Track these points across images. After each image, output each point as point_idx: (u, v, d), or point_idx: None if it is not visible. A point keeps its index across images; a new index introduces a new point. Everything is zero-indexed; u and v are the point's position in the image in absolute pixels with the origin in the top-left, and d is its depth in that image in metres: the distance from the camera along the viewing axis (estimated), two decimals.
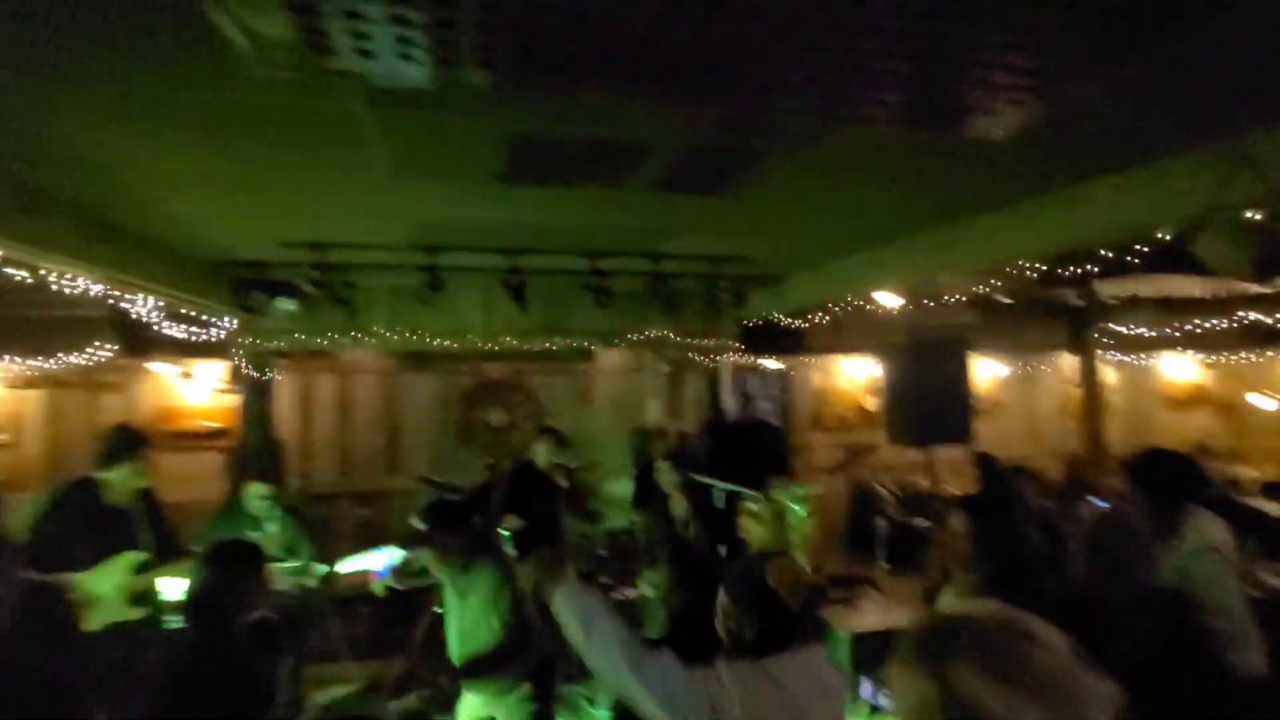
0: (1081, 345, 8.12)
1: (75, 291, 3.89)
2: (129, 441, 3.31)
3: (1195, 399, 9.73)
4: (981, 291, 6.08)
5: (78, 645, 2.24)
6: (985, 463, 3.92)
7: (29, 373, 6.55)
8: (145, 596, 3.10)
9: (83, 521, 3.09)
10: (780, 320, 6.99)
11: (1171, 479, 2.65)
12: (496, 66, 1.70)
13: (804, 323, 7.19)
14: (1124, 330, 8.01)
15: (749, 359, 7.70)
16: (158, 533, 3.33)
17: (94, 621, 2.92)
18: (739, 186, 3.15)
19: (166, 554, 3.29)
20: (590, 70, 1.71)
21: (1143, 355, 9.13)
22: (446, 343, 6.01)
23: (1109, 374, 8.80)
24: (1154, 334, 8.06)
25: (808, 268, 5.49)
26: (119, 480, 3.23)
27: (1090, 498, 5.35)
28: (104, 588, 3.01)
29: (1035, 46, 1.67)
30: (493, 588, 2.99)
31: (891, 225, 4.09)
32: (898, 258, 4.57)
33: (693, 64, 1.71)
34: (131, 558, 3.10)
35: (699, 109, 2.06)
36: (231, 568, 2.20)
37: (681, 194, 3.29)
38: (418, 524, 3.10)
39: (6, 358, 5.87)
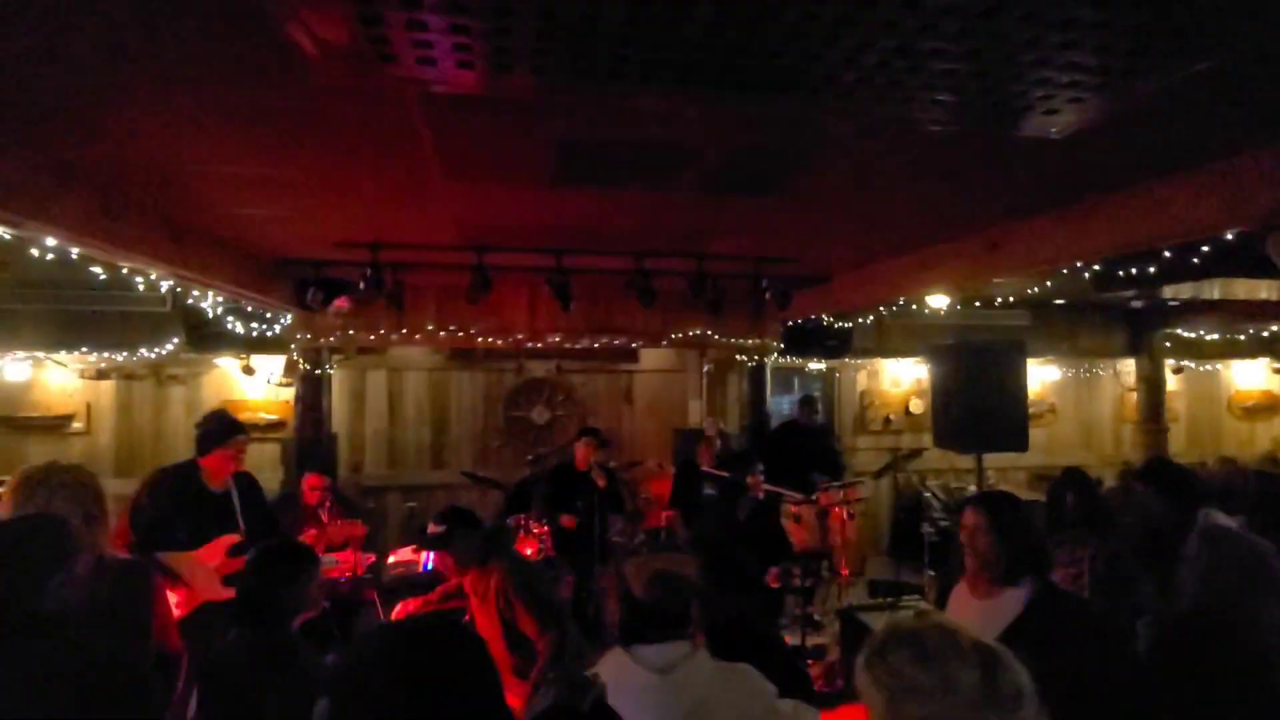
0: (1143, 349, 7.83)
1: (147, 288, 4.10)
2: (224, 429, 3.47)
3: (1265, 407, 9.28)
4: (1035, 293, 5.94)
5: (159, 625, 2.32)
6: (1073, 477, 3.70)
7: (102, 364, 6.90)
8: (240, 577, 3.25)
9: (181, 504, 3.27)
10: (825, 321, 6.92)
11: (1183, 479, 2.87)
12: (549, 72, 1.74)
13: (849, 324, 7.11)
14: (1189, 334, 7.70)
15: (793, 359, 7.63)
16: (254, 517, 3.50)
17: (192, 600, 3.10)
18: (786, 188, 3.14)
19: (262, 538, 3.39)
20: (642, 74, 1.74)
21: (1209, 361, 8.75)
22: (492, 340, 6.13)
23: (1171, 379, 8.46)
24: (1221, 338, 7.73)
25: (855, 268, 5.43)
26: (214, 466, 3.40)
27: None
28: (204, 569, 3.18)
29: (1097, 44, 1.63)
30: (505, 589, 3.02)
31: (942, 225, 4.01)
32: (948, 259, 4.48)
33: (744, 66, 1.72)
34: (227, 540, 3.27)
35: (749, 111, 2.07)
36: (283, 570, 2.19)
37: (728, 195, 3.29)
38: (435, 525, 3.13)
39: (83, 349, 6.19)
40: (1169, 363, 8.20)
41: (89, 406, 6.97)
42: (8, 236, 2.87)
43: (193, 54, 1.87)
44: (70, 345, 6.10)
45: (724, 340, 6.54)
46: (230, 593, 3.18)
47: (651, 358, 8.03)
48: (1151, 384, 7.83)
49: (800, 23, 1.51)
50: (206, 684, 2.06)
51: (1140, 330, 7.74)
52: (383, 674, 1.07)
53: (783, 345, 6.85)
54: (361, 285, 4.62)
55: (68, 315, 5.91)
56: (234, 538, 3.33)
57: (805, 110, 1.97)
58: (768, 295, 5.15)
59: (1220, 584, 2.00)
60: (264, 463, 7.20)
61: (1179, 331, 7.59)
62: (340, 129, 2.48)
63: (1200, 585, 2.05)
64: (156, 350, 6.21)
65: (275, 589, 2.13)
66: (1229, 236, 3.10)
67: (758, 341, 6.65)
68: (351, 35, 1.57)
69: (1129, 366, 8.51)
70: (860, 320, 7.02)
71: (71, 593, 1.69)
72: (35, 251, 3.08)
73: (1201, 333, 7.52)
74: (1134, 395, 8.33)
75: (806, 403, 6.97)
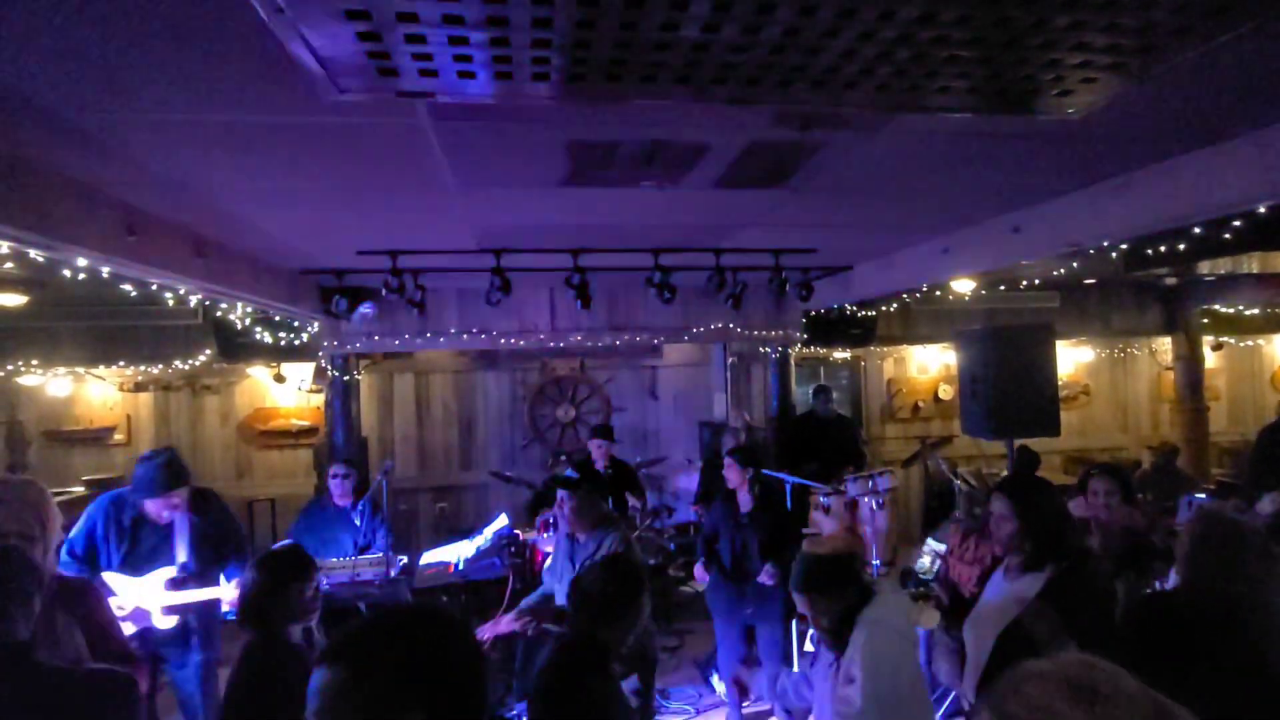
0: (1179, 326, 7.61)
1: (176, 302, 4.21)
2: (165, 480, 3.29)
3: None
4: (1062, 274, 5.80)
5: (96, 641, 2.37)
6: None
7: (139, 377, 7.11)
8: (177, 610, 3.31)
9: (118, 531, 3.30)
10: (849, 310, 6.84)
11: None
12: (553, 78, 1.75)
13: (873, 312, 7.02)
14: (1228, 309, 7.47)
15: (818, 350, 7.57)
16: (208, 547, 3.44)
17: (128, 627, 3.15)
18: (801, 179, 3.11)
19: (211, 568, 3.43)
20: (642, 77, 1.73)
21: (1250, 336, 8.48)
22: (515, 341, 6.18)
23: (1210, 356, 8.21)
24: (1261, 312, 7.47)
25: (876, 256, 5.36)
26: (151, 509, 3.31)
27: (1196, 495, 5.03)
28: (139, 597, 3.23)
29: (1109, 23, 1.58)
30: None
31: (964, 210, 3.94)
32: (971, 244, 4.40)
33: (745, 63, 1.71)
34: (164, 572, 3.30)
35: (753, 107, 2.05)
36: (276, 577, 2.22)
37: (743, 189, 3.27)
38: (569, 473, 3.48)
39: (120, 363, 6.38)
40: (1207, 339, 7.96)
41: (129, 418, 7.19)
42: (42, 258, 2.97)
43: (206, 74, 1.91)
44: (108, 359, 6.29)
45: (746, 333, 6.51)
46: (170, 621, 3.26)
47: (675, 352, 8.03)
48: (1189, 362, 7.61)
49: (798, 18, 1.49)
50: (229, 690, 2.12)
51: (1176, 307, 7.53)
52: (400, 646, 1.13)
53: (806, 336, 6.80)
54: (384, 292, 4.69)
55: (105, 330, 6.10)
56: (169, 571, 3.30)
57: (811, 104, 1.95)
58: (788, 286, 5.12)
59: (1201, 562, 2.00)
60: (297, 469, 7.37)
61: (1217, 307, 7.36)
62: (353, 141, 2.51)
63: (1183, 563, 2.06)
64: (190, 362, 6.37)
65: (266, 595, 2.18)
66: (1261, 210, 3.00)
67: (780, 333, 6.61)
68: (352, 52, 1.59)
69: (1165, 345, 8.29)
70: (885, 308, 6.93)
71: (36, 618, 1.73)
72: (67, 272, 3.18)
73: (1241, 307, 7.28)
74: (1171, 374, 8.11)
75: (820, 392, 6.95)
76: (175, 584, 3.32)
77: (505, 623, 3.50)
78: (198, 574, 3.39)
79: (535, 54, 1.62)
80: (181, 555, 3.37)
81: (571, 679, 2.06)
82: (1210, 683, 1.81)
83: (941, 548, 5.04)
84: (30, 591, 1.74)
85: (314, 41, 1.55)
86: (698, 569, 4.49)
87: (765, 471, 4.83)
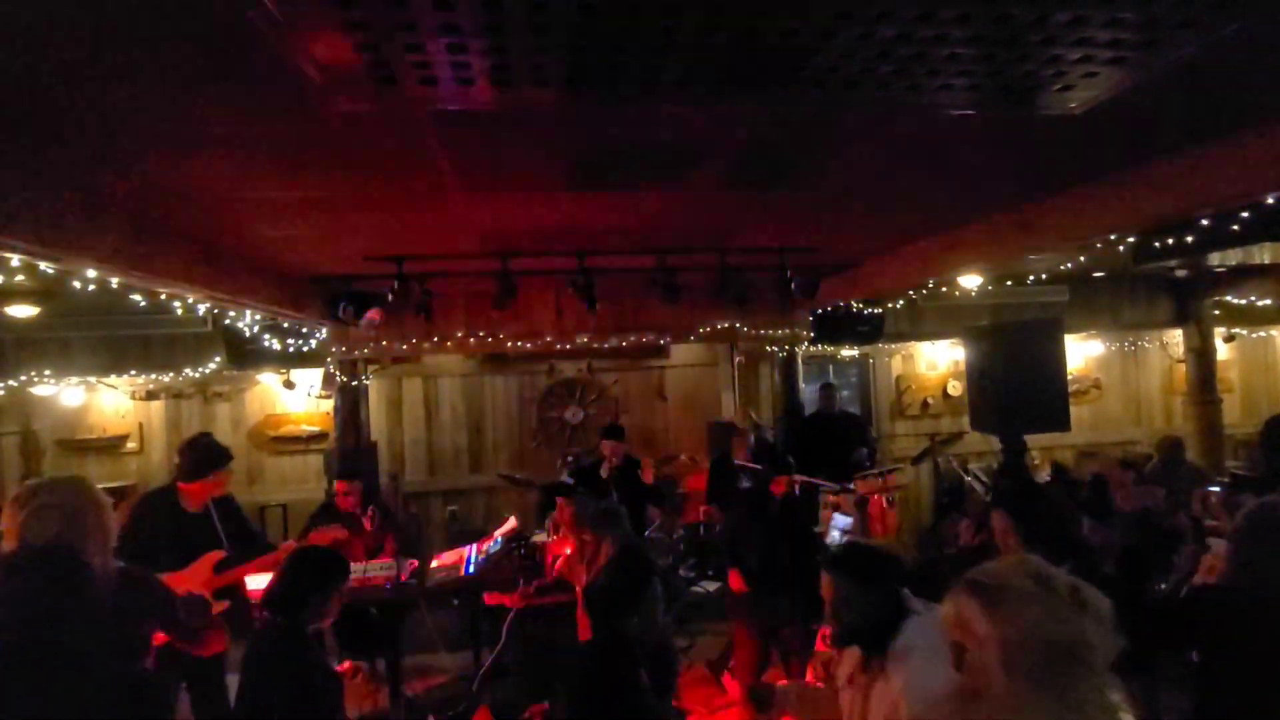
0: (1190, 319, 7.54)
1: (185, 311, 4.24)
2: (214, 458, 3.51)
3: None
4: (1070, 268, 5.77)
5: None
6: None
7: (151, 385, 7.16)
8: (228, 590, 3.40)
9: (161, 529, 3.35)
10: (855, 307, 6.82)
11: None
12: (552, 84, 1.75)
13: (880, 309, 6.99)
14: (1239, 301, 7.39)
15: (825, 347, 7.55)
16: (234, 532, 3.58)
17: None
18: (804, 178, 3.10)
19: (245, 552, 3.54)
20: (643, 80, 1.74)
21: (1263, 328, 8.39)
22: (522, 344, 6.19)
23: (1223, 348, 8.13)
24: (1274, 303, 7.39)
25: (882, 253, 5.34)
26: (196, 491, 3.45)
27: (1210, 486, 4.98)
28: (191, 585, 3.28)
29: (1110, 18, 1.57)
30: (609, 566, 3.24)
31: (970, 206, 3.92)
32: (978, 239, 4.38)
33: (742, 64, 1.71)
34: (212, 556, 3.38)
35: (754, 108, 2.05)
36: (311, 576, 2.30)
37: (746, 189, 3.27)
38: (565, 478, 3.44)
39: (132, 372, 6.43)
40: (1219, 331, 7.88)
41: (141, 426, 7.25)
42: (52, 270, 3.00)
43: (209, 84, 1.93)
44: (120, 368, 6.34)
45: (752, 332, 6.50)
46: (221, 606, 3.30)
47: (682, 352, 8.02)
48: (1201, 354, 7.53)
49: (794, 18, 1.49)
50: (243, 665, 2.17)
51: (1186, 299, 7.45)
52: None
53: (813, 334, 6.78)
54: (390, 297, 4.70)
55: (116, 340, 6.15)
56: (219, 554, 3.41)
57: (811, 103, 1.94)
58: (794, 285, 5.10)
59: (1246, 555, 1.99)
60: (308, 474, 7.41)
61: (1228, 298, 7.28)
62: (359, 149, 2.53)
63: (1231, 555, 2.05)
64: (200, 370, 6.42)
65: (301, 591, 2.24)
66: (1270, 200, 2.97)
67: (787, 331, 6.60)
68: (352, 61, 1.60)
69: (1176, 337, 8.22)
70: (892, 304, 6.91)
71: (86, 620, 1.68)
72: (77, 284, 3.21)
73: (1253, 298, 7.20)
74: (1183, 367, 8.04)
75: (825, 390, 6.95)
76: (223, 566, 3.40)
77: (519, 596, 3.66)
78: (236, 558, 3.49)
79: (533, 60, 1.63)
80: (223, 539, 3.48)
81: (604, 680, 2.12)
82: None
83: (848, 521, 5.07)
84: (63, 595, 1.70)
85: (314, 51, 1.57)
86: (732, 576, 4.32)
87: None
